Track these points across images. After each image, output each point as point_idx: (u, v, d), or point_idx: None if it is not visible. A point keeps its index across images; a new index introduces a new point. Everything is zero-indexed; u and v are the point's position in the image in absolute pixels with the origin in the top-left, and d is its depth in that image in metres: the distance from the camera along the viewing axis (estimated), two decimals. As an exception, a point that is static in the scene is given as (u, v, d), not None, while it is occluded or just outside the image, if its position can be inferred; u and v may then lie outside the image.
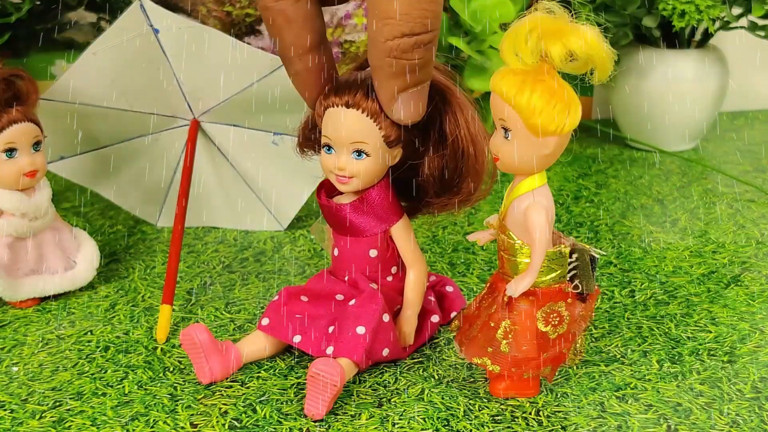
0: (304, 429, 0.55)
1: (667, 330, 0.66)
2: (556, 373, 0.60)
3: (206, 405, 0.58)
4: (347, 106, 0.55)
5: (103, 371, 0.62)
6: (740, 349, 0.63)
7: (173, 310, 0.69)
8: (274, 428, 0.56)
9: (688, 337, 0.65)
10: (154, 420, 0.56)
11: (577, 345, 0.58)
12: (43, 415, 0.57)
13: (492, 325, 0.56)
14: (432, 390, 0.59)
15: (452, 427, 0.55)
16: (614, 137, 1.05)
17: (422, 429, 0.55)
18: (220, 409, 0.57)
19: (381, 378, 0.60)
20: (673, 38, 0.97)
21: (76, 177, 0.81)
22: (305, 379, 0.60)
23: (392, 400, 0.58)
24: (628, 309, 0.69)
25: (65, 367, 0.62)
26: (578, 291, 0.55)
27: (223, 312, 0.69)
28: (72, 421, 0.56)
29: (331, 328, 0.59)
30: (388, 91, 0.52)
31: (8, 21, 0.95)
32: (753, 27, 0.94)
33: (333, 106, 0.56)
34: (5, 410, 0.58)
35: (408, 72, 0.51)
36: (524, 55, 0.50)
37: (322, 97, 0.56)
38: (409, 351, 0.62)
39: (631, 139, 1.02)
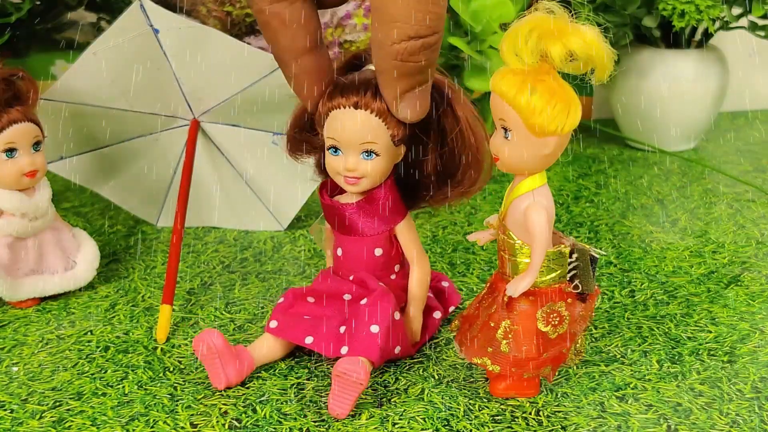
0: (304, 429, 0.55)
1: (667, 330, 0.66)
2: (556, 373, 0.60)
3: (206, 405, 0.58)
4: (356, 107, 0.55)
5: (103, 371, 0.62)
6: (740, 349, 0.64)
7: (173, 310, 0.69)
8: (274, 428, 0.56)
9: (688, 337, 0.65)
10: (154, 420, 0.56)
11: (577, 345, 0.58)
12: (43, 415, 0.57)
13: (492, 325, 0.56)
14: (432, 390, 0.59)
15: (452, 427, 0.55)
16: (614, 137, 1.05)
17: (422, 429, 0.55)
18: (220, 409, 0.57)
19: (381, 378, 0.60)
20: (673, 38, 0.97)
21: (76, 177, 0.81)
22: (305, 380, 0.60)
23: (392, 400, 0.58)
24: (628, 309, 0.69)
25: (65, 367, 0.62)
26: (578, 291, 0.55)
27: (223, 312, 0.69)
28: (72, 421, 0.56)
29: (342, 328, 0.59)
30: (394, 92, 0.53)
31: (8, 21, 0.95)
32: (753, 27, 0.94)
33: (340, 108, 0.55)
34: (5, 410, 0.58)
35: (414, 73, 0.51)
36: (524, 55, 0.50)
37: (325, 98, 0.56)
38: (416, 348, 0.62)
39: (631, 139, 1.02)
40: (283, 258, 0.78)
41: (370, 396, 0.59)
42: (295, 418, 0.56)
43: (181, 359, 0.63)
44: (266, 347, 0.61)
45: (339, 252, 0.61)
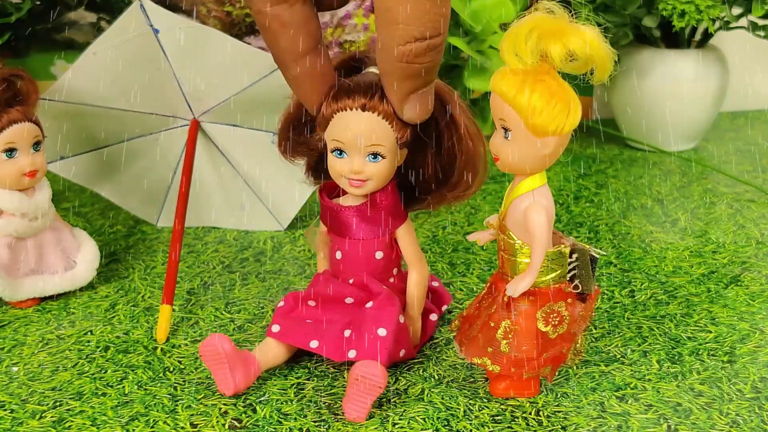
0: (304, 429, 0.55)
1: (667, 330, 0.66)
2: (556, 373, 0.60)
3: (206, 405, 0.58)
4: (363, 109, 0.55)
5: (103, 371, 0.62)
6: (740, 349, 0.64)
7: (173, 310, 0.69)
8: (274, 428, 0.56)
9: (688, 337, 0.65)
10: (154, 420, 0.56)
11: (577, 345, 0.58)
12: (43, 415, 0.57)
13: (492, 325, 0.56)
14: (432, 390, 0.59)
15: (452, 427, 0.55)
16: (614, 137, 1.05)
17: (422, 429, 0.55)
18: (220, 409, 0.57)
19: (381, 378, 0.60)
20: (673, 38, 0.97)
21: (76, 177, 0.81)
22: (305, 380, 0.60)
23: (392, 400, 0.58)
24: (628, 309, 0.69)
25: (65, 367, 0.62)
26: (578, 291, 0.55)
27: (223, 312, 0.69)
28: (72, 421, 0.56)
29: (347, 332, 0.59)
30: (400, 94, 0.53)
31: (8, 21, 0.95)
32: (753, 27, 0.94)
33: (346, 110, 0.55)
34: (5, 410, 0.58)
35: (419, 75, 0.51)
36: (524, 55, 0.50)
37: (330, 100, 0.55)
38: (416, 350, 0.62)
39: (631, 139, 1.02)
40: (283, 258, 0.78)
41: (370, 396, 0.59)
42: (295, 418, 0.56)
43: (181, 359, 0.63)
44: (271, 352, 0.60)
45: (338, 255, 0.61)
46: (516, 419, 0.56)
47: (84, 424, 0.56)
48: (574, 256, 0.55)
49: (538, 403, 0.58)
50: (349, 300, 0.60)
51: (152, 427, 0.56)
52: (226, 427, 0.56)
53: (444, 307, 0.67)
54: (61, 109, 0.75)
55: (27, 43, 1.02)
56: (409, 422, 0.56)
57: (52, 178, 0.81)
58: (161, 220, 0.84)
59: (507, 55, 0.51)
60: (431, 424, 0.56)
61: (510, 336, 0.55)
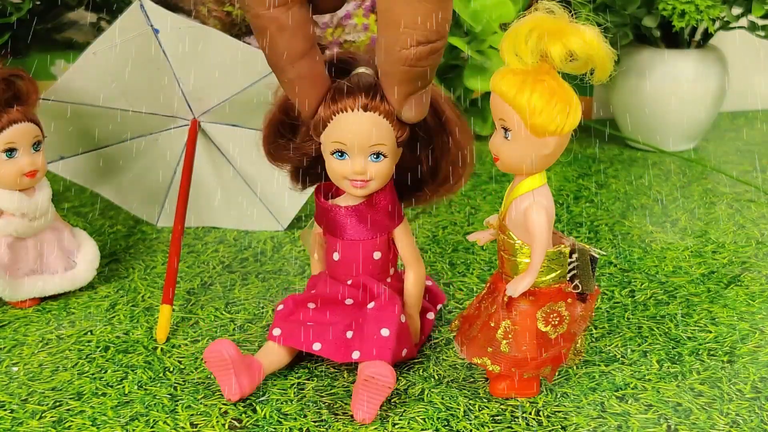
0: (304, 429, 0.55)
1: (667, 330, 0.66)
2: (556, 373, 0.60)
3: (206, 405, 0.58)
4: (365, 109, 0.55)
5: (103, 371, 0.62)
6: (740, 349, 0.64)
7: (173, 310, 0.69)
8: (274, 428, 0.56)
9: (688, 337, 0.65)
10: (154, 420, 0.56)
11: (577, 345, 0.58)
12: (43, 415, 0.57)
13: (492, 325, 0.56)
14: (432, 390, 0.59)
15: (452, 427, 0.55)
16: (614, 137, 1.05)
17: (422, 429, 0.55)
18: (220, 409, 0.57)
19: (381, 378, 0.60)
20: (673, 38, 0.97)
21: (76, 177, 0.81)
22: (305, 380, 0.60)
23: (392, 400, 0.58)
24: (628, 309, 0.69)
25: (65, 367, 0.62)
26: (578, 291, 0.55)
27: (223, 312, 0.69)
28: (72, 421, 0.56)
29: (349, 333, 0.59)
30: (400, 95, 0.53)
31: (8, 21, 0.95)
32: (753, 27, 0.94)
33: (347, 111, 0.55)
34: (5, 410, 0.58)
35: (420, 77, 0.52)
36: (524, 55, 0.50)
37: (328, 102, 0.55)
38: (416, 349, 0.62)
39: (631, 139, 1.02)
40: (283, 258, 0.78)
41: (370, 396, 0.59)
42: (295, 418, 0.56)
43: (181, 359, 0.63)
44: (274, 355, 0.60)
45: (336, 256, 0.60)
46: (516, 419, 0.56)
47: (84, 424, 0.56)
48: (574, 256, 0.55)
49: (538, 403, 0.58)
50: (348, 301, 0.60)
51: (152, 427, 0.56)
52: (226, 427, 0.56)
53: (439, 306, 0.67)
54: (62, 109, 0.75)
55: (27, 43, 1.02)
56: (409, 422, 0.56)
57: (52, 178, 0.81)
58: (161, 220, 0.84)
59: (507, 55, 0.51)
60: (431, 424, 0.56)
61: (510, 336, 0.55)
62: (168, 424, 0.56)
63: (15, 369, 0.62)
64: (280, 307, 0.61)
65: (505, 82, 0.51)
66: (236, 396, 0.57)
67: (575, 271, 0.55)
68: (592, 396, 0.58)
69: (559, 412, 0.57)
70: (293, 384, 0.60)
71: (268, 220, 0.82)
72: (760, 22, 0.95)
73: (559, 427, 0.56)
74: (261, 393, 0.59)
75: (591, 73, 0.52)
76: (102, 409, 0.58)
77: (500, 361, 0.56)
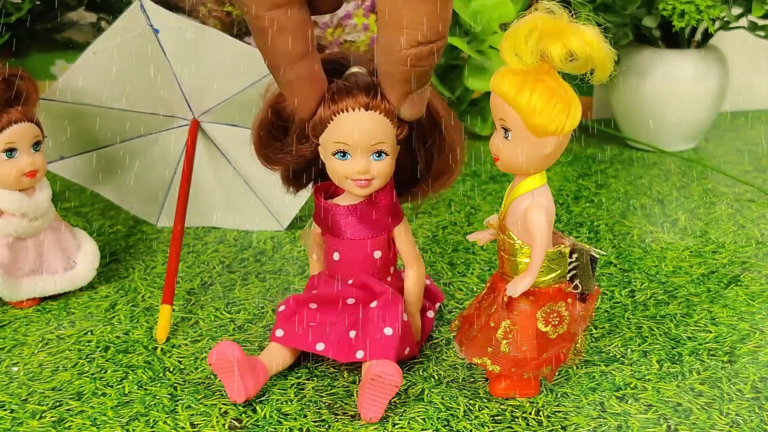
0: (304, 429, 0.55)
1: (667, 330, 0.66)
2: (556, 373, 0.60)
3: (206, 405, 0.58)
4: (367, 108, 0.55)
5: (103, 371, 0.62)
6: (740, 349, 0.64)
7: (173, 310, 0.69)
8: (274, 428, 0.56)
9: (688, 337, 0.65)
10: (154, 420, 0.56)
11: (577, 345, 0.58)
12: (43, 415, 0.57)
13: (492, 325, 0.56)
14: (432, 390, 0.59)
15: (452, 427, 0.55)
16: (614, 137, 1.05)
17: (422, 429, 0.55)
18: (220, 409, 0.57)
19: (381, 378, 0.60)
20: (673, 38, 0.97)
21: (76, 177, 0.81)
22: (305, 380, 0.60)
23: (392, 400, 0.58)
24: (628, 309, 0.69)
25: (65, 367, 0.62)
26: (578, 291, 0.55)
27: (223, 312, 0.69)
28: (72, 421, 0.56)
29: (352, 333, 0.59)
30: (399, 94, 0.53)
31: (8, 21, 0.95)
32: (753, 27, 0.94)
33: (348, 110, 0.55)
34: (5, 410, 0.58)
35: (420, 76, 0.52)
36: (524, 55, 0.50)
37: (328, 102, 0.55)
38: (418, 347, 0.62)
39: (631, 139, 1.02)
40: (283, 258, 0.78)
41: (370, 396, 0.59)
42: (295, 418, 0.56)
43: (181, 359, 0.63)
44: (277, 356, 0.60)
45: (336, 256, 0.60)
46: (516, 419, 0.56)
47: (84, 424, 0.56)
48: (574, 256, 0.55)
49: (538, 403, 0.58)
50: (350, 301, 0.60)
51: (152, 427, 0.56)
52: (226, 427, 0.56)
53: (438, 305, 0.67)
54: (61, 109, 0.75)
55: (27, 43, 1.02)
56: (409, 422, 0.56)
57: (52, 178, 0.81)
58: (161, 220, 0.84)
59: (507, 55, 0.51)
60: (431, 424, 0.56)
61: (510, 336, 0.55)
62: (168, 424, 0.56)
63: (15, 369, 0.62)
64: (282, 307, 0.61)
65: (505, 82, 0.51)
66: (241, 397, 0.57)
67: (575, 271, 0.55)
68: (592, 396, 0.58)
69: (559, 412, 0.57)
70: (293, 384, 0.60)
71: (268, 220, 0.82)
72: (760, 22, 0.95)
73: (559, 427, 0.55)
74: (261, 393, 0.59)
75: (591, 73, 0.52)
76: (102, 409, 0.58)
77: (500, 361, 0.56)
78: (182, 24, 0.70)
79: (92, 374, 0.61)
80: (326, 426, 0.56)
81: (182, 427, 0.56)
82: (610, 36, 0.51)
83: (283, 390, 0.59)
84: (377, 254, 0.60)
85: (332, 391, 0.59)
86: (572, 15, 0.51)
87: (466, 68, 0.95)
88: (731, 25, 0.95)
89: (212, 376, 0.61)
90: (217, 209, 0.82)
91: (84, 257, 0.72)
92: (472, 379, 0.60)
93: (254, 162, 0.78)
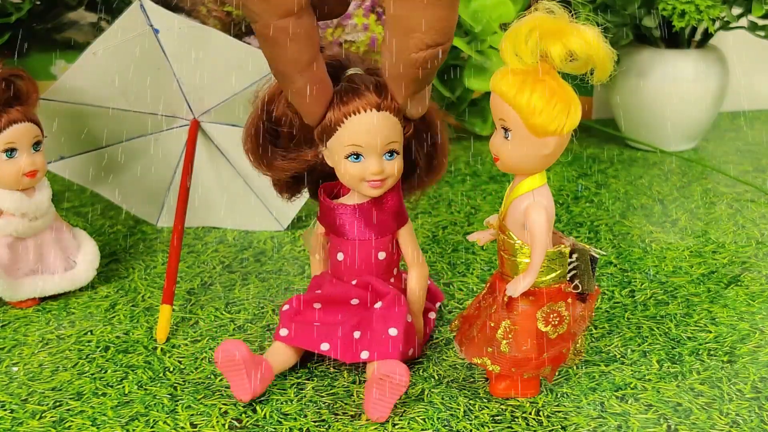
0: (304, 429, 0.55)
1: (667, 330, 0.66)
2: (556, 373, 0.60)
3: (206, 405, 0.58)
4: (378, 108, 0.55)
5: (103, 371, 0.62)
6: (740, 349, 0.64)
7: (173, 310, 0.69)
8: (274, 428, 0.56)
9: (688, 337, 0.65)
10: (154, 420, 0.56)
11: (577, 345, 0.58)
12: (43, 415, 0.57)
13: (492, 325, 0.56)
14: (432, 390, 0.59)
15: (452, 427, 0.55)
16: (614, 137, 1.05)
17: (422, 429, 0.55)
18: (220, 409, 0.57)
19: (381, 378, 0.60)
20: (673, 38, 0.97)
21: (76, 177, 0.81)
22: (305, 380, 0.60)
23: (392, 400, 0.58)
24: (628, 309, 0.69)
25: (65, 367, 0.62)
26: (578, 291, 0.55)
27: (223, 312, 0.69)
28: (72, 421, 0.56)
29: (357, 333, 0.59)
30: (407, 94, 0.54)
31: (8, 21, 0.95)
32: (753, 27, 0.94)
33: (359, 112, 0.55)
34: (5, 410, 0.58)
35: (427, 77, 0.53)
36: (524, 55, 0.50)
37: (337, 105, 0.55)
38: (420, 348, 0.63)
39: (631, 139, 1.02)
40: (283, 258, 0.78)
41: (370, 396, 0.59)
42: (295, 418, 0.56)
43: (181, 359, 0.63)
44: (281, 355, 0.60)
45: (340, 256, 0.60)
46: (516, 419, 0.56)
47: (84, 424, 0.56)
48: (574, 256, 0.55)
49: (538, 403, 0.58)
50: (354, 301, 0.60)
51: (152, 427, 0.56)
52: (226, 427, 0.56)
53: (437, 304, 0.67)
54: (62, 109, 0.75)
55: (27, 43, 1.02)
56: (409, 422, 0.56)
57: (52, 178, 0.81)
58: (161, 220, 0.84)
59: (507, 55, 0.51)
60: (431, 424, 0.56)
61: (510, 336, 0.55)
62: (168, 424, 0.56)
63: (15, 369, 0.62)
64: (286, 307, 0.61)
65: (505, 82, 0.51)
66: (248, 396, 0.57)
67: (575, 271, 0.55)
68: (592, 396, 0.58)
69: (559, 412, 0.57)
70: (293, 384, 0.60)
71: (268, 220, 0.82)
72: (760, 22, 0.95)
73: (559, 427, 0.56)
74: (261, 393, 0.59)
75: (591, 73, 0.52)
76: (102, 409, 0.58)
77: (500, 361, 0.56)
78: (182, 24, 0.70)
79: (92, 374, 0.61)
80: (326, 426, 0.56)
81: (182, 427, 0.56)
82: (610, 36, 0.51)
83: (283, 390, 0.59)
84: (382, 255, 0.60)
85: (332, 391, 0.59)
86: (572, 15, 0.51)
87: (466, 68, 0.95)
88: (731, 25, 0.95)
89: (212, 376, 0.61)
90: (217, 209, 0.82)
91: (84, 257, 0.72)
92: (472, 379, 0.60)
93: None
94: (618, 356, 0.63)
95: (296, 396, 0.59)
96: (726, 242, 0.79)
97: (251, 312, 0.69)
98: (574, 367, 0.61)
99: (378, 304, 0.59)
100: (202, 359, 0.63)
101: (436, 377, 0.61)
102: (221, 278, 0.74)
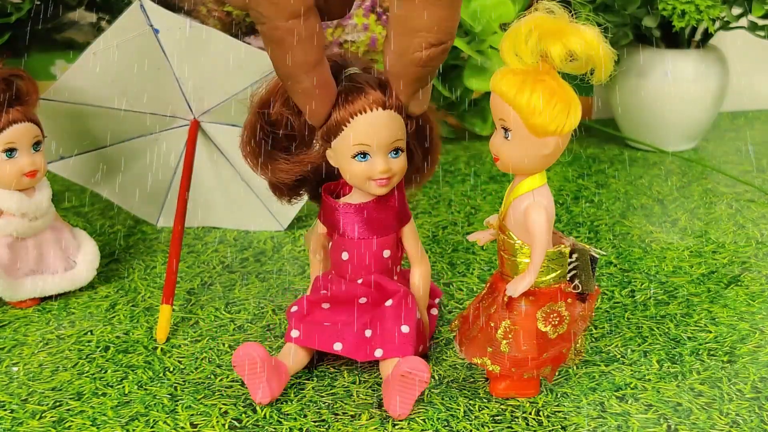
0: (304, 429, 0.55)
1: (667, 330, 0.66)
2: (556, 373, 0.60)
3: (206, 405, 0.58)
4: (384, 106, 0.55)
5: (103, 371, 0.62)
6: (740, 349, 0.64)
7: (173, 310, 0.69)
8: (274, 428, 0.56)
9: (688, 337, 0.65)
10: (154, 420, 0.56)
11: (577, 345, 0.58)
12: (43, 415, 0.57)
13: (492, 325, 0.56)
14: (432, 390, 0.59)
15: (452, 427, 0.55)
16: (614, 137, 1.05)
17: (422, 429, 0.55)
18: (220, 409, 0.57)
19: (381, 378, 0.60)
20: (673, 38, 0.97)
21: (76, 177, 0.81)
22: (305, 380, 0.60)
23: (392, 400, 0.58)
24: (628, 309, 0.69)
25: (65, 367, 0.62)
26: (578, 291, 0.55)
27: (223, 312, 0.69)
28: (72, 421, 0.56)
29: (368, 332, 0.59)
30: (408, 92, 0.55)
31: (8, 21, 0.95)
32: (753, 27, 0.94)
33: (365, 111, 0.55)
34: (5, 410, 0.58)
35: (429, 75, 0.53)
36: (524, 55, 0.50)
37: (342, 104, 0.55)
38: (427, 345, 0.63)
39: (631, 139, 1.02)
40: (283, 258, 0.78)
41: (371, 396, 0.59)
42: (295, 418, 0.56)
43: (181, 359, 0.63)
44: (296, 356, 0.59)
45: (344, 256, 0.60)
46: (516, 419, 0.56)
47: (84, 424, 0.56)
48: (574, 256, 0.55)
49: (538, 403, 0.58)
50: (362, 300, 0.60)
51: (152, 427, 0.56)
52: (226, 427, 0.56)
53: (437, 300, 0.67)
54: (62, 109, 0.75)
55: (27, 43, 1.02)
56: (409, 423, 0.56)
57: (52, 178, 0.81)
58: (161, 220, 0.84)
59: (507, 55, 0.51)
60: (431, 424, 0.56)
61: (510, 336, 0.55)
62: (168, 424, 0.56)
63: (15, 369, 0.62)
64: (294, 308, 0.61)
65: (505, 82, 0.51)
66: (267, 398, 0.57)
67: (575, 271, 0.55)
68: (592, 396, 0.58)
69: (559, 412, 0.57)
70: (293, 384, 0.60)
71: (268, 220, 0.82)
72: (760, 22, 0.95)
73: (559, 427, 0.56)
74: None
75: (591, 73, 0.52)
76: (102, 409, 0.58)
77: (500, 361, 0.56)
78: (182, 24, 0.70)
79: (92, 374, 0.61)
80: (326, 426, 0.56)
81: (182, 427, 0.56)
82: (610, 36, 0.51)
83: (283, 390, 0.59)
84: (386, 253, 0.60)
85: (332, 391, 0.59)
86: (572, 15, 0.51)
87: (466, 68, 0.95)
88: (731, 25, 0.95)
89: (212, 376, 0.61)
90: (217, 209, 0.82)
91: (84, 257, 0.72)
92: (472, 379, 0.60)
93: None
94: (618, 356, 0.63)
95: (296, 396, 0.59)
96: (726, 242, 0.79)
97: (251, 312, 0.69)
98: (574, 367, 0.61)
99: (388, 302, 0.59)
100: (202, 359, 0.63)
101: (436, 377, 0.61)
102: (221, 278, 0.74)
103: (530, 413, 0.57)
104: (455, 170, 0.96)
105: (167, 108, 0.76)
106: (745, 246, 0.79)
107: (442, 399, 0.58)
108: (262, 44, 0.95)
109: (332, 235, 0.61)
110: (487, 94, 0.57)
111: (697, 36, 0.99)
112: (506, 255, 0.55)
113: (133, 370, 0.62)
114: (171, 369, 0.62)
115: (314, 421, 0.56)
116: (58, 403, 0.58)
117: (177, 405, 0.58)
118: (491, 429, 0.55)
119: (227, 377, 0.61)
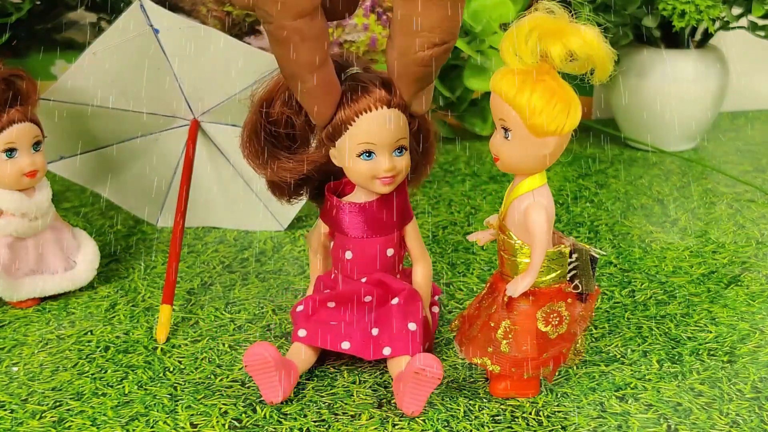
0: (304, 429, 0.55)
1: (667, 330, 0.66)
2: (556, 373, 0.60)
3: (206, 405, 0.58)
4: (389, 105, 0.55)
5: (103, 371, 0.62)
6: (740, 349, 0.64)
7: (173, 310, 0.69)
8: (274, 428, 0.56)
9: (688, 337, 0.65)
10: (154, 420, 0.56)
11: (577, 345, 0.58)
12: (43, 415, 0.57)
13: (492, 325, 0.56)
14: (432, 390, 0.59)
15: (452, 427, 0.55)
16: (614, 137, 1.05)
17: (422, 430, 0.55)
18: (220, 409, 0.57)
19: (381, 378, 0.60)
20: (673, 38, 0.97)
21: (76, 177, 0.81)
22: (305, 379, 0.60)
23: (392, 400, 0.58)
24: (628, 309, 0.69)
25: (65, 367, 0.62)
26: (578, 291, 0.55)
27: (223, 312, 0.69)
28: (72, 421, 0.56)
29: (375, 330, 0.59)
30: (412, 91, 0.55)
31: (8, 21, 0.95)
32: (753, 27, 0.94)
33: (370, 110, 0.55)
34: (5, 410, 0.58)
35: (432, 74, 0.53)
36: (524, 55, 0.50)
37: (347, 103, 0.55)
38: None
39: (631, 139, 1.02)
40: (283, 258, 0.78)
41: (371, 396, 0.59)
42: (295, 418, 0.56)
43: (181, 359, 0.63)
44: (303, 356, 0.59)
45: (348, 255, 0.60)
46: (516, 419, 0.56)
47: (84, 424, 0.56)
48: (574, 256, 0.55)
49: (538, 403, 0.58)
50: (367, 298, 0.60)
51: (152, 427, 0.56)
52: (226, 427, 0.56)
53: (436, 297, 0.67)
54: (61, 109, 0.75)
55: (27, 43, 1.02)
56: (409, 423, 0.56)
57: (52, 178, 0.81)
58: (161, 220, 0.84)
59: (507, 55, 0.51)
60: (431, 425, 0.56)
61: (510, 336, 0.55)
62: (168, 424, 0.56)
63: (15, 369, 0.62)
64: (300, 308, 0.61)
65: (505, 82, 0.51)
66: (279, 398, 0.57)
67: (575, 271, 0.55)
68: (592, 396, 0.58)
69: (559, 412, 0.57)
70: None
71: (268, 220, 0.82)
72: (760, 22, 0.95)
73: (559, 427, 0.56)
74: (260, 393, 0.59)
75: (591, 73, 0.52)
76: (102, 409, 0.58)
77: (500, 361, 0.56)
78: (182, 24, 0.70)
79: (92, 374, 0.61)
80: (326, 426, 0.56)
81: (182, 427, 0.56)
82: (610, 36, 0.51)
83: (284, 390, 0.59)
84: (390, 252, 0.60)
85: (332, 391, 0.59)
86: (572, 15, 0.51)
87: (466, 68, 0.95)
88: (731, 25, 0.95)
89: (212, 376, 0.61)
90: (217, 209, 0.82)
91: (84, 257, 0.72)
92: (472, 379, 0.60)
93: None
94: (618, 356, 0.63)
95: (296, 396, 0.59)
96: (726, 242, 0.79)
97: (251, 312, 0.69)
98: (574, 367, 0.61)
99: (395, 300, 0.59)
100: (202, 359, 0.63)
101: (436, 377, 0.61)
102: (221, 278, 0.74)
103: (530, 413, 0.57)
104: (455, 170, 0.96)
105: (167, 108, 0.76)
106: (745, 246, 0.79)
107: (442, 399, 0.58)
108: (262, 44, 0.95)
109: (334, 235, 0.61)
110: (487, 94, 0.57)
111: (697, 36, 0.99)
112: (506, 255, 0.55)
113: (133, 370, 0.62)
114: (171, 369, 0.62)
115: (314, 421, 0.56)
116: (58, 403, 0.58)
117: (177, 405, 0.58)
118: (491, 429, 0.55)
119: (227, 377, 0.61)
